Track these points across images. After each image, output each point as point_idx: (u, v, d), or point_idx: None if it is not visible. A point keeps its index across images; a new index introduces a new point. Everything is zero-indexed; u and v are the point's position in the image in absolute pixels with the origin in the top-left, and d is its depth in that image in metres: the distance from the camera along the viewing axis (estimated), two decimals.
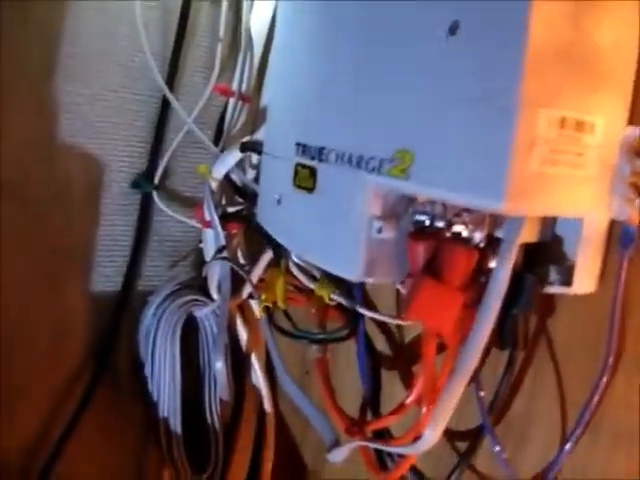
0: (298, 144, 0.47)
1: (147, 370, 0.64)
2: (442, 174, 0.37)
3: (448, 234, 0.41)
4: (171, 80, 0.67)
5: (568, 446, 0.42)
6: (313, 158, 0.46)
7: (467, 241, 0.41)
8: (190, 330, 0.66)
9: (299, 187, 0.47)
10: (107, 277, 0.69)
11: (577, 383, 0.43)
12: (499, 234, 0.41)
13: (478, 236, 0.41)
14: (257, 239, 0.64)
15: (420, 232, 0.42)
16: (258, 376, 0.67)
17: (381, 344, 0.56)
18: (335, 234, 0.44)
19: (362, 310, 0.50)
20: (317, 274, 0.57)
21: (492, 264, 0.42)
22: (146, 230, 0.70)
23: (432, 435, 0.40)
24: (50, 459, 0.65)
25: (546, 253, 0.42)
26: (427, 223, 0.42)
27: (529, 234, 0.42)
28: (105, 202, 0.68)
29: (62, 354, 0.67)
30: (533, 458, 0.45)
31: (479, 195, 0.35)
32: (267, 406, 0.68)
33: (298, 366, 0.64)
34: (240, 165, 0.63)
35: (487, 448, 0.47)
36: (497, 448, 0.44)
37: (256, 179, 0.62)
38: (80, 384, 0.67)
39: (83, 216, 0.67)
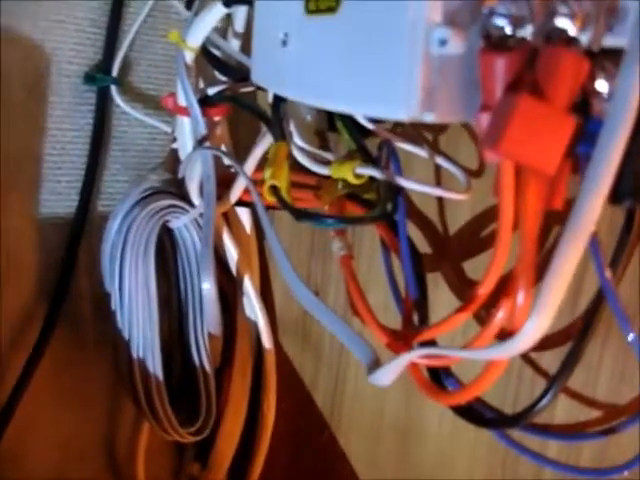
0: None
1: (114, 302, 0.50)
2: None
3: (539, 38, 0.28)
4: None
5: None
6: None
7: (572, 43, 0.28)
8: (166, 247, 0.53)
9: (315, 12, 0.34)
10: (59, 195, 0.56)
11: None
12: (608, 42, 0.29)
13: (587, 37, 0.28)
14: (245, 131, 0.51)
15: (495, 44, 0.30)
16: (253, 304, 0.54)
17: (418, 242, 0.43)
18: (374, 59, 0.31)
19: (403, 180, 0.37)
20: (330, 156, 0.45)
21: (599, 85, 0.30)
22: (105, 136, 0.57)
23: (536, 327, 0.27)
24: None
25: None
26: (509, 31, 0.29)
27: None
28: (53, 101, 0.55)
29: (3, 295, 0.53)
30: None
31: None
32: (265, 341, 0.55)
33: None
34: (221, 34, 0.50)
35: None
36: (631, 336, 0.31)
37: (243, 49, 0.50)
38: (29, 333, 0.54)
39: (25, 119, 0.54)
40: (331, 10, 0.33)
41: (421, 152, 0.40)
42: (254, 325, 0.55)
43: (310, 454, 0.56)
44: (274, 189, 0.39)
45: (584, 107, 0.31)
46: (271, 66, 0.38)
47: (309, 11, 0.34)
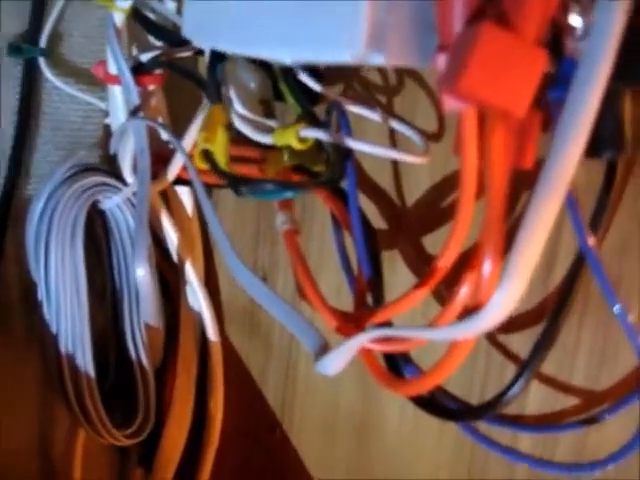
0: None
1: (40, 292, 0.45)
2: None
3: None
4: None
5: None
6: None
7: None
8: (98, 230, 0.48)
9: None
10: None
11: None
12: None
13: None
14: (187, 103, 0.46)
15: None
16: (196, 293, 0.49)
17: (372, 216, 0.39)
18: None
19: (353, 142, 0.32)
20: (274, 124, 0.40)
21: (572, 20, 0.26)
22: (33, 113, 0.52)
23: (506, 298, 0.23)
24: None
25: None
26: None
27: None
28: None
29: None
30: None
31: None
32: (211, 333, 0.50)
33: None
34: None
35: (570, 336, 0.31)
36: (618, 308, 0.27)
37: (179, 11, 0.45)
38: None
39: None
40: None
41: (373, 115, 0.36)
42: (198, 315, 0.50)
43: (261, 455, 0.52)
44: (207, 154, 0.34)
45: (555, 47, 0.27)
46: (203, 17, 0.34)
47: None
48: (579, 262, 0.30)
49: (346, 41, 0.26)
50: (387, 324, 0.34)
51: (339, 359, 0.30)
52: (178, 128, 0.44)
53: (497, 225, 0.25)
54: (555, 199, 0.23)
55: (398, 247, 0.39)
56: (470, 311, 0.25)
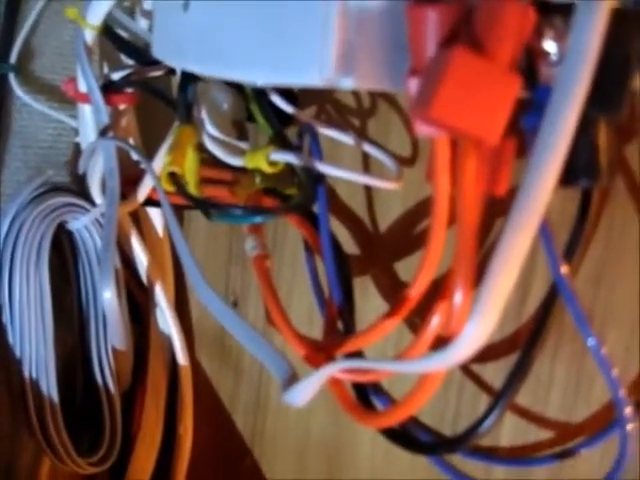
0: None
1: (4, 315, 0.44)
2: None
3: None
4: None
5: None
6: None
7: None
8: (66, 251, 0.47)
9: None
10: None
11: None
12: None
13: None
14: (160, 124, 0.45)
15: None
16: (166, 316, 0.48)
17: (344, 241, 0.38)
18: (285, 18, 0.26)
19: (323, 166, 0.32)
20: (244, 145, 0.40)
21: (547, 46, 0.26)
22: (3, 131, 0.51)
23: (477, 331, 0.22)
24: None
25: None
26: None
27: None
28: None
29: None
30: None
31: None
32: (180, 357, 0.49)
33: (222, 296, 0.47)
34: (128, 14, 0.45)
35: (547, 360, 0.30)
36: (592, 340, 0.26)
37: (151, 29, 0.44)
38: None
39: None
40: None
41: (347, 139, 0.35)
42: (168, 339, 0.49)
43: None
44: (173, 177, 0.33)
45: (530, 73, 0.27)
46: (172, 36, 0.33)
47: None
48: (553, 293, 0.29)
49: (315, 64, 0.25)
50: (357, 353, 0.33)
51: (307, 390, 0.29)
52: (151, 147, 0.43)
53: (468, 254, 0.24)
54: (528, 228, 0.22)
55: (370, 273, 0.38)
56: (442, 342, 0.24)
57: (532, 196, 0.22)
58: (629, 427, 0.28)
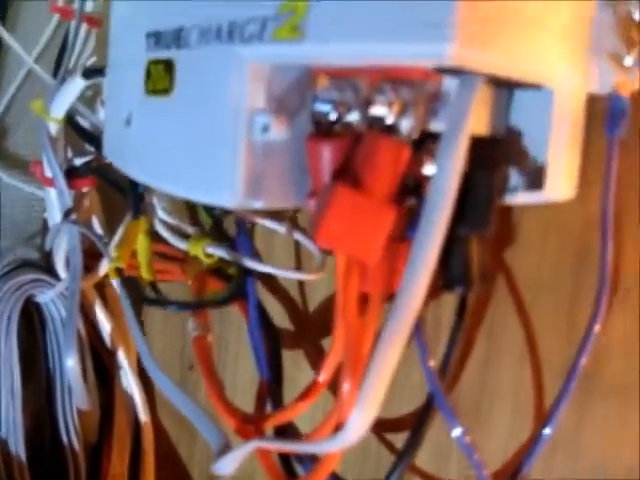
0: (149, 35, 0.34)
1: None
2: (354, 19, 0.25)
3: (364, 124, 0.28)
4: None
5: (550, 427, 0.29)
6: (169, 46, 0.32)
7: (392, 131, 0.28)
8: (32, 322, 0.51)
9: (153, 92, 0.33)
10: None
11: (552, 336, 0.31)
12: (434, 127, 0.29)
13: (407, 124, 0.28)
14: (119, 202, 0.50)
15: (324, 130, 0.29)
16: (128, 377, 0.52)
17: (279, 317, 0.42)
18: (202, 144, 0.31)
19: (250, 262, 0.36)
20: (192, 231, 0.44)
21: (427, 170, 0.30)
22: None
23: (360, 421, 0.26)
24: None
25: (502, 151, 0.30)
26: (333, 117, 0.29)
27: (479, 123, 0.30)
28: None
29: None
30: (497, 442, 0.32)
31: (421, 37, 0.23)
32: (142, 415, 0.53)
33: (179, 359, 0.51)
34: (89, 106, 0.49)
35: (436, 436, 0.34)
36: (458, 431, 0.31)
37: None
38: None
39: None
40: (166, 92, 0.32)
41: (280, 228, 0.39)
42: (131, 398, 0.53)
43: None
44: (119, 271, 0.37)
45: (419, 190, 0.31)
46: (118, 144, 0.38)
47: (148, 91, 0.34)
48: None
49: (227, 190, 0.29)
50: (285, 426, 0.37)
51: (233, 461, 0.33)
52: (116, 218, 0.47)
53: (352, 350, 0.29)
54: (403, 328, 0.26)
55: (302, 347, 0.42)
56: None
57: (407, 301, 0.26)
58: None
